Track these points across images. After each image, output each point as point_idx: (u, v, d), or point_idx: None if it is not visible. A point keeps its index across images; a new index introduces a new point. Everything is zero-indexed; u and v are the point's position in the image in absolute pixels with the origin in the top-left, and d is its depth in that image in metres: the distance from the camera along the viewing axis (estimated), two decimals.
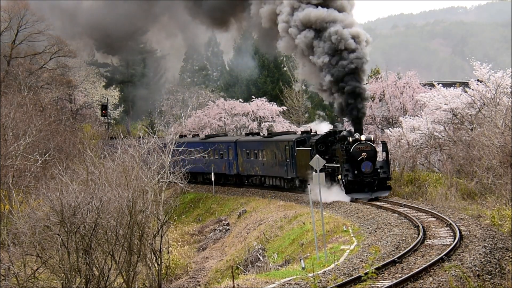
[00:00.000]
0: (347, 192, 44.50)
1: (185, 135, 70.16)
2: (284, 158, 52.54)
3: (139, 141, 42.58)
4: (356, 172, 44.11)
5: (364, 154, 44.03)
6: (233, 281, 26.09)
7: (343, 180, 44.58)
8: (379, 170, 44.36)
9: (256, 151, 57.30)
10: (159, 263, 35.12)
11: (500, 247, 27.68)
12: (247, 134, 64.98)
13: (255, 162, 57.47)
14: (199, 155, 57.82)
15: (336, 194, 45.31)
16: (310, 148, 48.11)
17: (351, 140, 44.42)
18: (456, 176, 46.52)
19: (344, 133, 45.86)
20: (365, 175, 44.18)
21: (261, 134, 64.70)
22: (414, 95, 64.32)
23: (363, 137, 44.39)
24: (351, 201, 44.19)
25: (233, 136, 68.94)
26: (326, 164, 45.77)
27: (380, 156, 45.76)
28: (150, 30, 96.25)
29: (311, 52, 45.66)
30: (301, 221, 42.29)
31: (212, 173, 61.69)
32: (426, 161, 53.99)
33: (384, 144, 46.28)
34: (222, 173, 62.52)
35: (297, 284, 23.44)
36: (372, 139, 45.30)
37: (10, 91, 61.02)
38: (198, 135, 70.05)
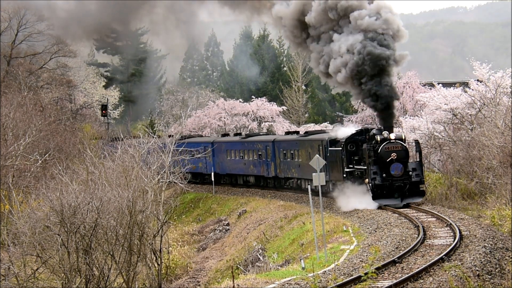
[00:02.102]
0: (374, 198, 39.82)
1: (228, 134, 67.95)
2: None
3: (139, 141, 42.62)
4: (384, 175, 39.55)
5: (393, 155, 39.47)
6: (233, 281, 26.08)
7: (370, 184, 39.98)
8: (410, 172, 39.82)
9: (292, 151, 52.06)
10: (159, 263, 35.15)
11: (500, 247, 27.69)
12: (286, 133, 59.14)
13: (292, 163, 52.31)
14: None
15: (361, 200, 40.89)
16: (340, 148, 43.44)
17: (379, 139, 39.89)
18: (456, 176, 46.44)
19: (374, 131, 41.26)
20: (395, 179, 39.56)
21: (300, 132, 58.99)
22: (414, 95, 64.33)
23: (392, 136, 39.85)
24: (379, 208, 39.71)
25: (271, 134, 65.10)
26: (355, 166, 42.29)
27: (414, 157, 41.62)
28: (150, 30, 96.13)
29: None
30: (301, 221, 42.30)
31: (212, 173, 61.58)
32: (426, 161, 53.94)
33: (417, 144, 41.71)
34: (260, 175, 57.64)
35: (297, 284, 23.43)
36: (403, 137, 40.70)
37: (10, 91, 60.96)
38: (240, 133, 66.23)
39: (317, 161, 31.49)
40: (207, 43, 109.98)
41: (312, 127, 71.59)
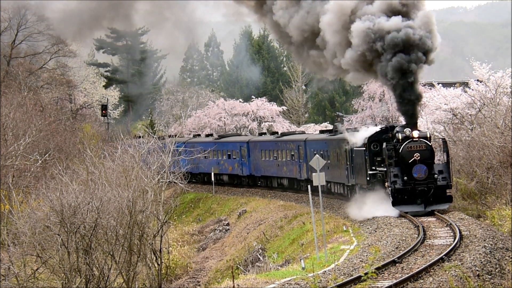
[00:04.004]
0: (394, 204, 35.86)
1: (264, 133, 65.82)
2: (345, 161, 43.61)
3: (138, 140, 42.64)
4: (406, 178, 35.54)
5: (416, 155, 35.49)
6: (233, 281, 26.08)
7: (390, 188, 36.01)
8: (436, 175, 35.89)
9: (322, 152, 47.08)
10: (159, 263, 35.15)
11: (500, 247, 27.66)
12: (321, 132, 54.31)
13: None
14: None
15: (380, 206, 37.26)
16: (364, 148, 39.53)
17: (400, 138, 35.88)
18: (456, 176, 46.44)
19: (397, 128, 37.12)
20: (418, 182, 35.59)
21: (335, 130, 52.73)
22: None
23: (415, 133, 35.78)
24: (400, 216, 35.98)
25: (304, 133, 61.19)
26: (377, 168, 38.52)
27: (441, 158, 38.74)
28: (149, 27, 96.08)
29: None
30: (301, 221, 42.33)
31: (212, 173, 61.54)
32: None
33: (444, 143, 38.04)
34: (293, 178, 53.70)
35: (297, 284, 23.43)
36: (429, 135, 36.70)
37: (10, 91, 60.94)
38: (277, 132, 63.45)
39: (317, 161, 31.50)
40: (207, 43, 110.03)
41: (312, 127, 71.58)
